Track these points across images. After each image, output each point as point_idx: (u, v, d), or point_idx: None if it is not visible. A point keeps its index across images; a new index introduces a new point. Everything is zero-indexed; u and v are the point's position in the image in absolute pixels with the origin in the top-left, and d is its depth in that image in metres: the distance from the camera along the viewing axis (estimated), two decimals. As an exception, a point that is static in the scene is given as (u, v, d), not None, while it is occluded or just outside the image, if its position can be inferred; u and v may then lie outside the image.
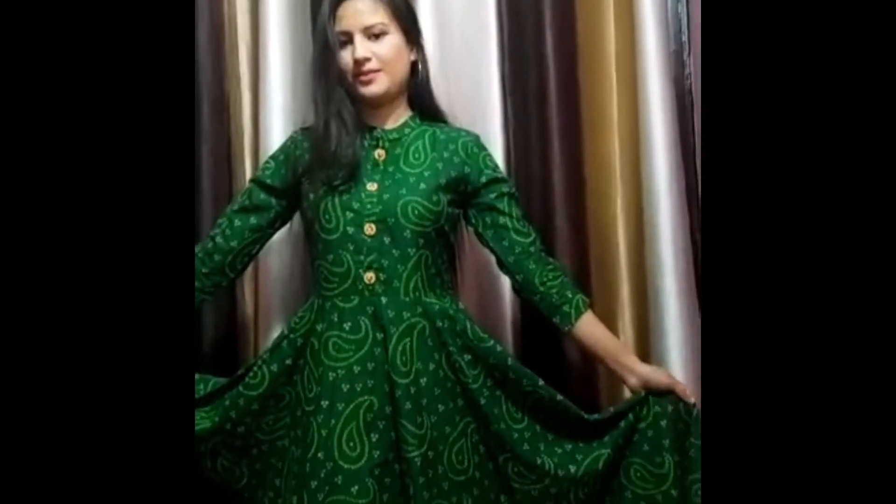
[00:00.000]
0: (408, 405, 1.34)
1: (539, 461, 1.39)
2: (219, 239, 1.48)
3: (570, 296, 1.44)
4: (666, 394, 1.39)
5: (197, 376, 1.41)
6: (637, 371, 1.42)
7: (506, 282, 1.62)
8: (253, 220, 1.48)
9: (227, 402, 1.41)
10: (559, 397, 1.42)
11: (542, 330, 1.61)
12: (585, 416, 1.41)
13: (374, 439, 1.33)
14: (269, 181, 1.49)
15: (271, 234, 1.53)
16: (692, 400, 1.38)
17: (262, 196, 1.49)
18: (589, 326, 1.45)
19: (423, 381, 1.37)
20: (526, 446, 1.40)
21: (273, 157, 1.52)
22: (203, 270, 1.47)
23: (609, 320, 1.69)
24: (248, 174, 1.74)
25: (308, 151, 1.46)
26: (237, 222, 1.48)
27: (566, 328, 1.44)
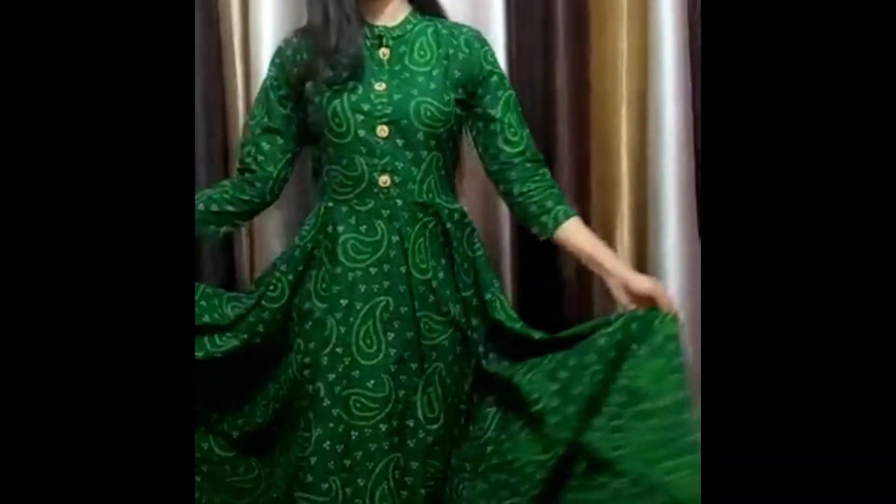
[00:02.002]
0: (431, 298, 1.39)
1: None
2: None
3: (549, 206, 1.39)
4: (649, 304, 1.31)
5: (228, 294, 1.46)
6: (618, 274, 1.36)
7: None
8: (267, 120, 1.44)
9: (251, 319, 1.42)
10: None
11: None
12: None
13: (390, 338, 1.38)
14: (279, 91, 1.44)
15: (292, 143, 1.46)
16: (675, 311, 1.30)
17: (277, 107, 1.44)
18: (569, 234, 1.39)
19: (441, 275, 1.40)
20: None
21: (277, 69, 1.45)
22: (224, 182, 1.49)
23: (608, 228, 1.70)
24: (240, 75, 1.68)
25: (306, 51, 1.39)
26: (257, 131, 1.46)
27: (542, 238, 1.41)
